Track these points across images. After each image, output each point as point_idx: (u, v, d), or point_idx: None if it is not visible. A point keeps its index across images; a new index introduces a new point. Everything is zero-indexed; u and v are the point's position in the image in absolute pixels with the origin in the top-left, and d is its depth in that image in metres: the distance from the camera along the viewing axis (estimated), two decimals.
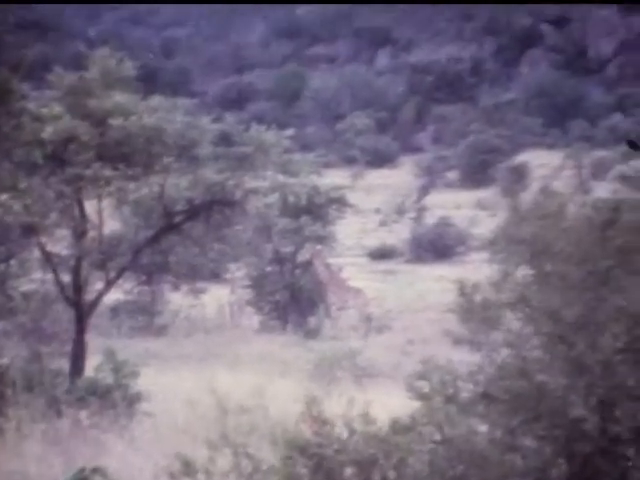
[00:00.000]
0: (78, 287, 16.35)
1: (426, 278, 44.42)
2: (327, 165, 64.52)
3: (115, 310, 32.03)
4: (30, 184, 15.43)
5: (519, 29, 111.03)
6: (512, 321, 7.19)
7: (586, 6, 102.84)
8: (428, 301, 36.39)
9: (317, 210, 35.17)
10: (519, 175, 70.35)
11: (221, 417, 7.94)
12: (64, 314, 21.39)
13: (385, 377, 21.41)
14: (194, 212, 16.98)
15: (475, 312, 8.72)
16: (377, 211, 67.77)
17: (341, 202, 36.89)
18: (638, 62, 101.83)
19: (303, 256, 35.05)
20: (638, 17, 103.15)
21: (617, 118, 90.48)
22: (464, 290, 12.13)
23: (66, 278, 16.96)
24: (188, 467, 5.95)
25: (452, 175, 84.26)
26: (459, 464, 5.87)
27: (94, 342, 18.18)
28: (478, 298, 9.93)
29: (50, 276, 18.48)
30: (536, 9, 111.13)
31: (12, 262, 21.84)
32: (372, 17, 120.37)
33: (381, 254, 54.22)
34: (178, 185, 16.60)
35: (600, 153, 76.53)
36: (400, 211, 68.11)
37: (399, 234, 58.42)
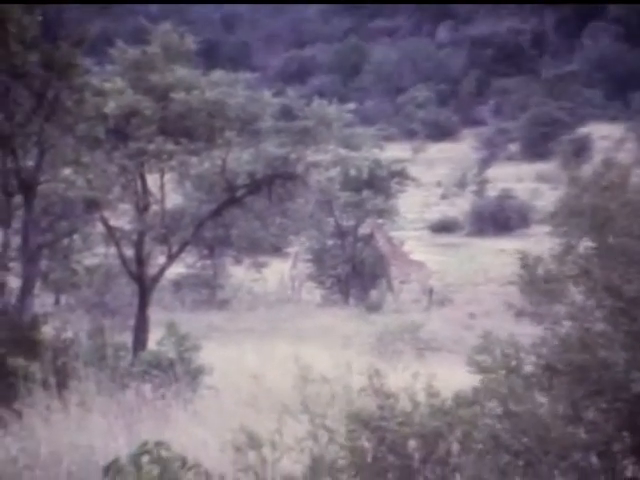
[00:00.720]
0: (141, 261, 16.32)
1: (487, 251, 44.01)
2: (388, 138, 66.94)
3: (177, 284, 32.21)
4: (93, 159, 15.56)
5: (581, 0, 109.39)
6: (575, 294, 7.16)
7: None
8: (489, 274, 36.35)
9: (379, 184, 34.69)
10: (580, 148, 69.63)
11: (301, 387, 7.34)
12: (127, 288, 22.48)
13: (447, 350, 21.53)
14: (256, 186, 16.84)
15: (537, 285, 9.41)
16: (438, 184, 68.13)
17: (402, 175, 36.74)
18: None
19: (364, 230, 34.46)
20: None
21: None
22: (526, 263, 11.85)
23: (129, 252, 16.93)
24: (253, 440, 5.97)
25: (513, 148, 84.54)
26: (523, 437, 5.76)
27: (157, 316, 18.19)
28: (540, 271, 10.45)
29: (113, 250, 18.42)
30: None
31: (75, 237, 21.91)
32: None
33: (442, 227, 54.11)
34: (240, 159, 16.52)
35: None
36: (461, 184, 68.82)
37: (460, 207, 58.15)
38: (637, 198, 7.75)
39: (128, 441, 7.56)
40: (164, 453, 5.92)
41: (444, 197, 64.91)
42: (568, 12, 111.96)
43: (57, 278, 23.78)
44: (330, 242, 36.14)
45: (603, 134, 77.75)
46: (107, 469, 5.91)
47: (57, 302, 26.96)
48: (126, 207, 16.68)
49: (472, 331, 21.36)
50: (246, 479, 6.05)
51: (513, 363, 6.38)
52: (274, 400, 9.47)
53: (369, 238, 35.05)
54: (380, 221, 34.94)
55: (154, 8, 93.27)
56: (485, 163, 73.60)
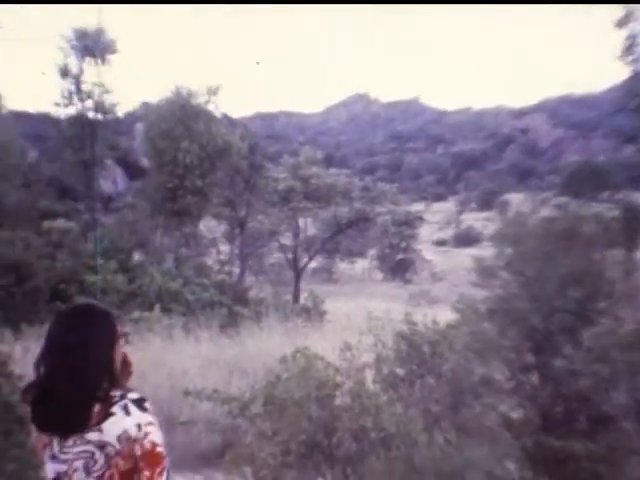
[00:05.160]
0: (295, 260, 27.51)
1: (464, 254, 52.59)
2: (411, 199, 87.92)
3: (314, 271, 50.33)
4: (273, 211, 25.82)
5: None
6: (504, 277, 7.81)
7: None
8: (464, 264, 50.56)
9: (409, 222, 58.27)
10: (505, 206, 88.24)
11: (367, 321, 8.39)
12: (289, 272, 34.17)
13: (443, 303, 25.12)
14: (350, 224, 27.78)
15: (483, 270, 8.56)
16: (437, 222, 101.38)
17: (419, 218, 61.93)
18: None
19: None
20: None
21: None
22: (481, 263, 8.83)
23: (289, 255, 28.13)
24: (348, 346, 6.72)
25: (473, 205, 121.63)
26: (478, 342, 6.77)
27: (303, 287, 27.64)
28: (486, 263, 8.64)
29: (282, 255, 29.26)
30: None
31: (264, 249, 31.99)
32: None
33: (439, 243, 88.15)
34: (341, 211, 26.98)
35: None
36: (448, 222, 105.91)
37: (448, 233, 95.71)
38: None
39: (290, 348, 7.82)
40: (307, 352, 6.88)
41: (440, 228, 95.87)
42: None
43: (256, 268, 33.73)
44: (387, 250, 59.55)
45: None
46: (283, 359, 7.03)
47: (256, 279, 36.34)
48: (288, 234, 27.39)
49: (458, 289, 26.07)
50: (345, 364, 6.60)
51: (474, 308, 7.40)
52: (358, 326, 10.15)
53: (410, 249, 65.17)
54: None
55: (301, 138, 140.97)
56: (459, 213, 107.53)
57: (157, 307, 18.44)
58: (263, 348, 12.93)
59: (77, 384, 2.45)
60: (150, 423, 2.53)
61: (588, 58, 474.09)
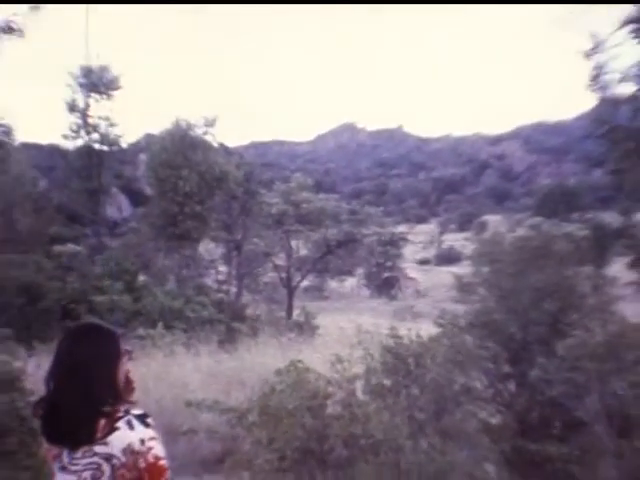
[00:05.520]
0: (289, 279, 27.36)
1: (443, 272, 57.68)
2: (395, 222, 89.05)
3: (305, 289, 49.69)
4: (267, 233, 25.66)
5: None
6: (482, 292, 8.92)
7: None
8: (444, 282, 47.63)
9: (393, 242, 58.75)
10: (483, 227, 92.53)
11: (356, 335, 8.39)
12: (283, 291, 34.60)
13: (426, 318, 24.71)
14: (339, 244, 27.61)
15: (462, 287, 9.18)
16: (420, 242, 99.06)
17: (403, 239, 62.37)
18: None
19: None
20: None
21: None
22: (460, 280, 10.04)
23: (283, 275, 27.76)
24: (339, 358, 6.73)
25: (452, 226, 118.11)
26: (459, 354, 6.95)
27: (296, 304, 27.64)
28: (465, 280, 9.37)
29: (276, 274, 29.02)
30: None
31: (260, 269, 32.06)
32: None
33: (422, 262, 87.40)
34: (331, 233, 27.08)
35: None
36: (432, 242, 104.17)
37: (430, 252, 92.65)
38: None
39: (283, 360, 8.17)
40: (300, 365, 6.89)
41: (423, 248, 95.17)
42: None
43: (252, 287, 33.65)
44: (373, 269, 59.42)
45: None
46: (277, 372, 7.00)
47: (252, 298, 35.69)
48: (282, 255, 27.21)
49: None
50: (336, 376, 6.61)
51: (455, 322, 7.70)
52: (348, 340, 10.40)
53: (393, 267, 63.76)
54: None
55: (292, 167, 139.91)
56: (440, 234, 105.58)
57: (160, 324, 18.35)
58: (259, 361, 12.97)
59: (83, 399, 2.47)
60: (152, 438, 2.54)
61: (559, 88, 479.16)
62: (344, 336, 15.41)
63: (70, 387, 2.49)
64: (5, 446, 6.35)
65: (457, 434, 5.97)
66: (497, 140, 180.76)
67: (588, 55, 13.10)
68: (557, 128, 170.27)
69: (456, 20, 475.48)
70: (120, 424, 2.50)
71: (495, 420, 7.26)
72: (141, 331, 17.51)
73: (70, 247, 24.94)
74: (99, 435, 2.48)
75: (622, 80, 12.85)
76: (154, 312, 21.12)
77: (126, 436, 2.49)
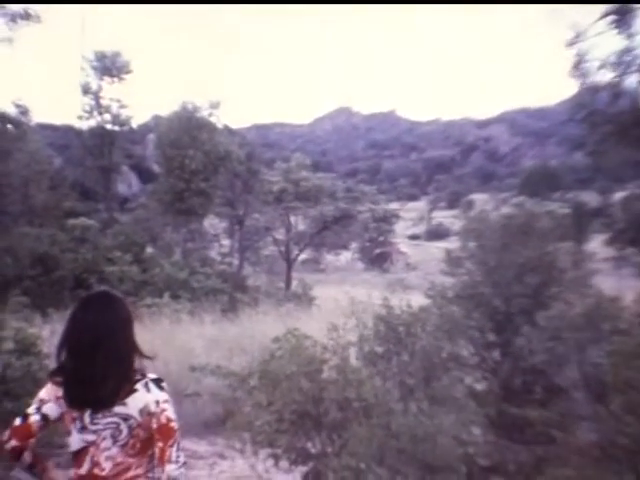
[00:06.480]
0: (288, 252, 27.11)
1: (434, 247, 60.79)
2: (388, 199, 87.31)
3: (303, 262, 48.48)
4: (267, 209, 25.36)
5: None
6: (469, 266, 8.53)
7: None
8: (435, 256, 52.83)
9: (387, 218, 58.88)
10: (470, 205, 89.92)
11: (350, 305, 7.65)
12: (282, 264, 33.69)
13: (415, 289, 25.32)
14: (335, 220, 27.29)
15: (452, 261, 8.88)
16: (412, 219, 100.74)
17: (396, 215, 62.53)
18: None
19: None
20: None
21: None
22: (449, 253, 9.38)
23: (282, 248, 27.53)
24: (334, 327, 6.50)
25: (442, 204, 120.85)
26: (447, 322, 6.85)
27: (294, 275, 27.52)
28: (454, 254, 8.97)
29: (275, 248, 28.85)
30: None
31: (260, 243, 31.91)
32: None
33: (413, 237, 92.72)
34: (327, 209, 26.84)
35: None
36: (421, 219, 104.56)
37: (421, 229, 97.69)
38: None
39: (282, 329, 7.66)
40: (297, 332, 6.78)
41: (414, 224, 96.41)
42: None
43: (253, 259, 33.45)
44: (367, 244, 59.00)
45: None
46: (276, 339, 6.90)
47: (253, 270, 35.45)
48: (282, 230, 26.97)
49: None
50: (331, 343, 6.35)
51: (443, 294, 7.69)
52: (342, 310, 9.36)
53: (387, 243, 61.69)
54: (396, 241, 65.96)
55: (293, 146, 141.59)
56: (430, 211, 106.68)
57: (167, 294, 18.58)
58: (259, 329, 13.00)
59: (112, 364, 2.48)
60: (166, 401, 2.56)
61: (542, 75, 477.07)
62: (339, 306, 14.35)
63: (96, 354, 2.47)
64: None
65: (445, 399, 5.87)
66: (484, 124, 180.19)
67: (570, 44, 12.98)
68: (540, 113, 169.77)
69: (448, 12, 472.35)
70: (138, 386, 2.53)
71: (481, 386, 7.28)
72: (149, 300, 17.72)
73: (83, 221, 24.93)
74: (120, 397, 2.51)
75: (601, 67, 12.76)
76: (161, 282, 21.27)
77: (143, 398, 2.52)
